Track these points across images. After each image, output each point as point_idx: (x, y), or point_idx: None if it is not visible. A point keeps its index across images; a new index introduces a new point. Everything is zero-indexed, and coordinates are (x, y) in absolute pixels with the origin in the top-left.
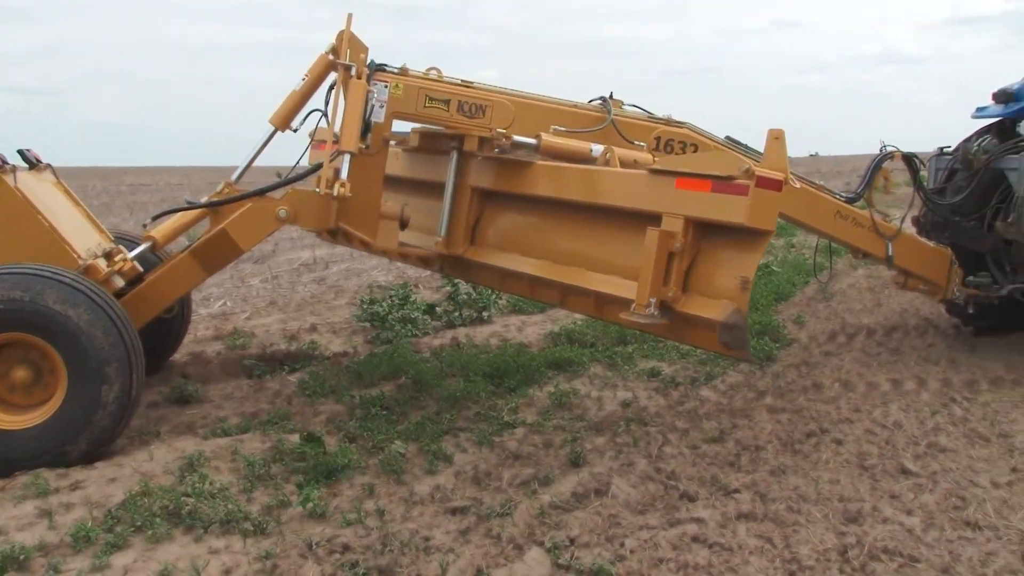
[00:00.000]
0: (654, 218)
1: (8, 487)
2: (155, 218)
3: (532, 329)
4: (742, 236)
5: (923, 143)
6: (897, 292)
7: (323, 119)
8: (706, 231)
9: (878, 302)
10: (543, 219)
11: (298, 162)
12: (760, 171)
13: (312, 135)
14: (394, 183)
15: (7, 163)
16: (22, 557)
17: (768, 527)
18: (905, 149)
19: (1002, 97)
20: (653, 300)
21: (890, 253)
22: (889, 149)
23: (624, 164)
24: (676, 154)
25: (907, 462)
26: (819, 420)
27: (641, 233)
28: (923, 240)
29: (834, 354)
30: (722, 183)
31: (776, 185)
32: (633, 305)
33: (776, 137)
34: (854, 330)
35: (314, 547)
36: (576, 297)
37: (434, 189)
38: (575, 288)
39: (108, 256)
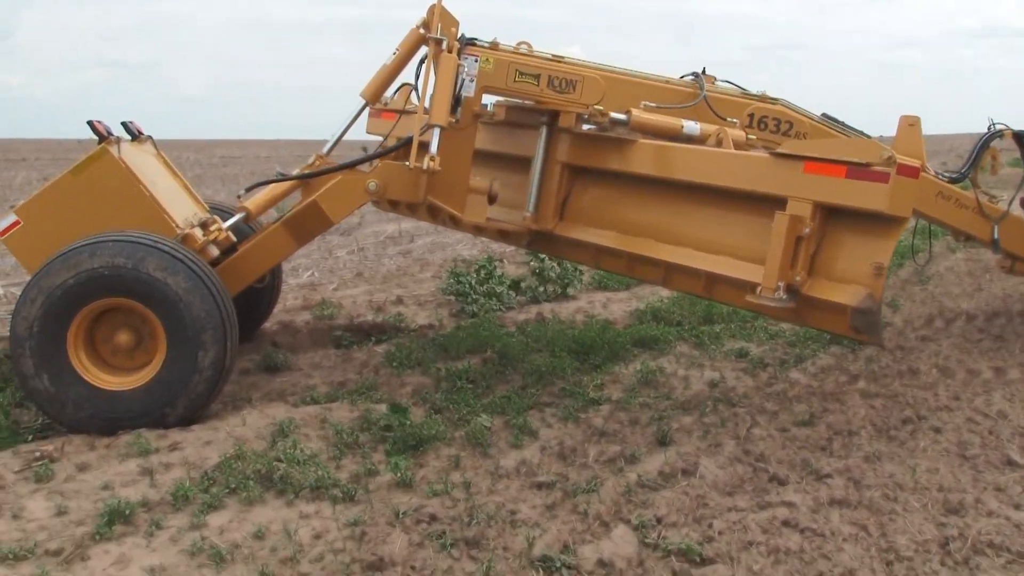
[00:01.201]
0: (777, 201)
1: (113, 445)
2: (248, 189)
3: (617, 306)
4: (875, 222)
5: None
6: (999, 276)
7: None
8: (833, 216)
9: (978, 286)
10: (645, 197)
11: (387, 136)
12: (901, 159)
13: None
14: (477, 156)
15: (112, 134)
16: (127, 512)
17: (863, 514)
18: (1014, 127)
19: None
20: (781, 284)
21: (996, 236)
22: (999, 127)
23: (714, 140)
24: (770, 131)
25: (1013, 454)
26: (916, 406)
27: (761, 215)
28: None
29: (931, 339)
30: (859, 169)
31: (914, 172)
32: (760, 288)
33: (911, 124)
34: (952, 315)
35: (401, 516)
36: (682, 276)
37: (518, 163)
38: (683, 268)
39: (204, 226)
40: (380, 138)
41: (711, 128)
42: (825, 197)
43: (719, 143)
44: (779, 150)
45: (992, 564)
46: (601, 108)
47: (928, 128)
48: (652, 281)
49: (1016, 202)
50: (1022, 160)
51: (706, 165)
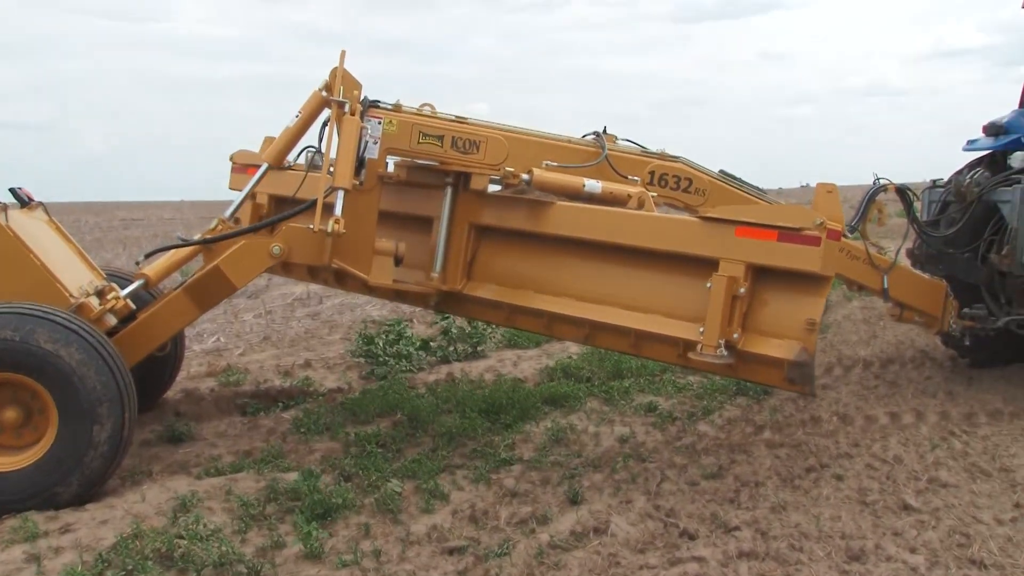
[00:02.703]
0: (706, 262)
1: None
2: (148, 256)
3: (527, 364)
4: (803, 281)
5: (911, 174)
6: (893, 324)
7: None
8: (761, 276)
9: (874, 334)
10: (564, 257)
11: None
12: (830, 224)
13: (232, 159)
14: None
15: None
16: None
17: (770, 566)
18: (896, 181)
19: (992, 130)
20: (722, 341)
21: (885, 286)
22: (883, 181)
23: (617, 197)
24: (671, 188)
25: (908, 498)
26: (818, 455)
27: (688, 275)
28: (918, 272)
29: (831, 387)
30: (791, 233)
31: (838, 236)
32: (700, 346)
33: (829, 191)
34: (851, 362)
35: None
36: (608, 335)
37: (418, 223)
38: (610, 326)
39: (100, 294)
40: (240, 194)
41: (632, 190)
42: (757, 259)
43: (640, 205)
44: (708, 214)
45: None
46: (513, 170)
47: (821, 179)
48: (573, 339)
49: (902, 252)
50: (905, 212)
51: (635, 227)
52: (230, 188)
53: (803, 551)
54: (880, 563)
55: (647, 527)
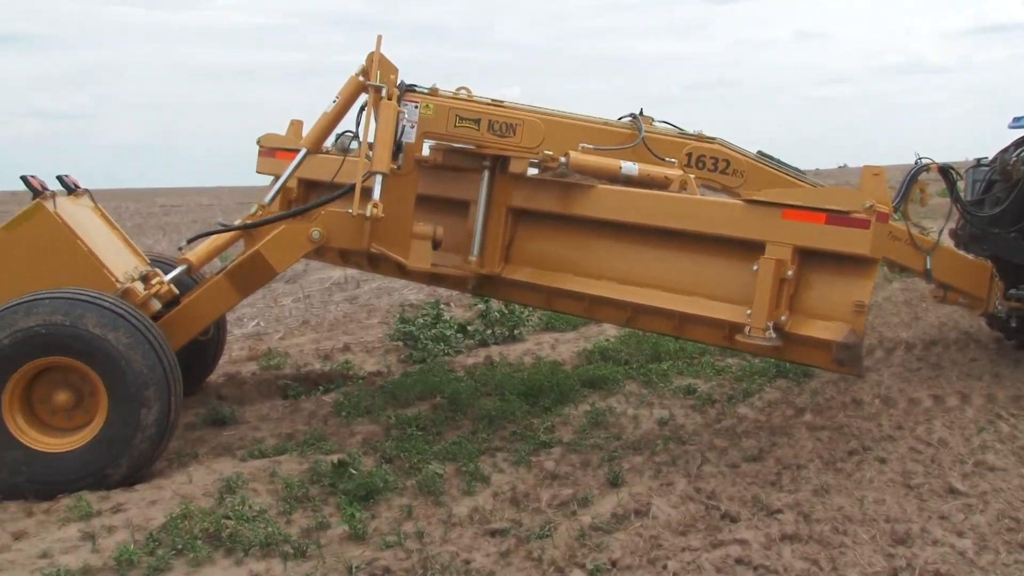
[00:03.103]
0: (751, 245)
1: (52, 510)
2: (190, 241)
3: (565, 347)
4: (851, 263)
5: (954, 153)
6: (935, 305)
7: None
8: (807, 258)
9: (915, 315)
10: (605, 240)
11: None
12: (879, 207)
13: (260, 143)
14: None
15: (47, 189)
16: None
17: (814, 549)
18: (939, 160)
19: None
20: (770, 323)
21: (928, 266)
22: (924, 161)
23: (655, 180)
24: (708, 169)
25: (955, 481)
26: (861, 437)
27: (732, 258)
28: (962, 253)
29: (873, 369)
30: (840, 216)
31: (885, 218)
32: (748, 328)
33: (876, 174)
34: (892, 344)
35: (354, 570)
36: (651, 317)
37: (454, 206)
38: (653, 308)
39: (145, 279)
40: (271, 178)
41: (670, 172)
42: (805, 242)
43: (682, 188)
44: (754, 197)
45: None
46: (552, 153)
47: (863, 160)
48: (614, 322)
49: (945, 233)
50: (948, 192)
51: (679, 211)
52: (258, 172)
53: (847, 534)
54: (927, 547)
55: (688, 509)
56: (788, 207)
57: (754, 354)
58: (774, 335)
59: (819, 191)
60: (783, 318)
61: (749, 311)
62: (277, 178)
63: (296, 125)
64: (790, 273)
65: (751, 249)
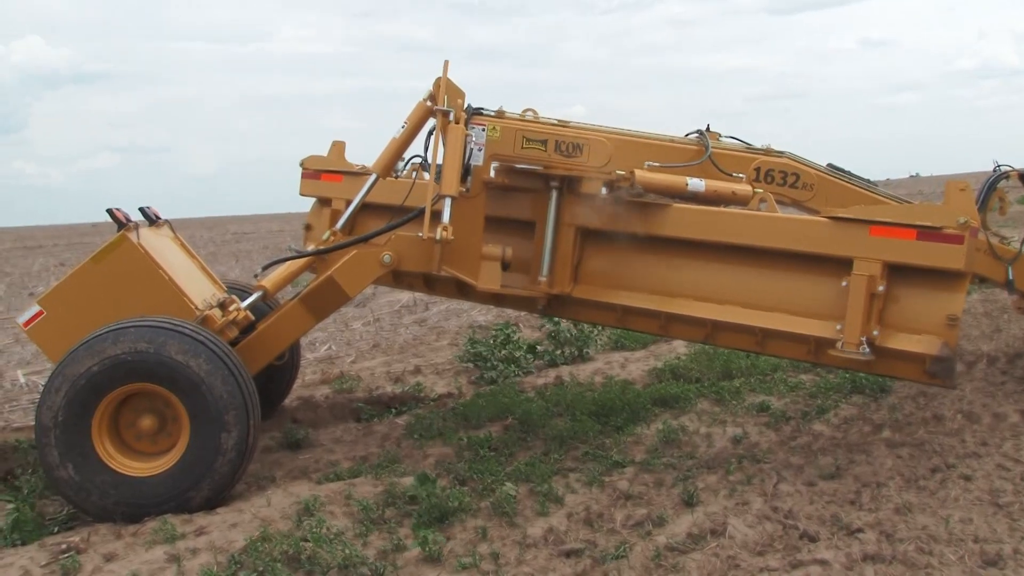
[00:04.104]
0: (837, 261)
1: (139, 532)
2: (265, 268)
3: (635, 365)
4: (941, 277)
5: None
6: (1017, 317)
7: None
8: (895, 273)
9: (997, 327)
10: (681, 258)
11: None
12: (973, 223)
13: (303, 164)
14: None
15: (130, 220)
16: None
17: (898, 569)
18: (1018, 167)
19: None
20: (863, 338)
21: (1010, 277)
22: (1003, 168)
23: (721, 196)
24: (777, 183)
25: None
26: (943, 454)
27: (817, 274)
28: None
29: None
30: (931, 232)
31: (975, 232)
32: (841, 343)
33: (961, 189)
34: (973, 358)
35: None
36: (731, 333)
37: (521, 227)
38: (733, 325)
39: (223, 306)
40: (313, 199)
41: (738, 188)
42: (895, 257)
43: (759, 207)
44: (838, 214)
45: None
46: (624, 172)
47: (935, 169)
48: (692, 339)
49: None
50: None
51: (761, 229)
52: (301, 194)
53: (932, 554)
54: (1021, 568)
55: (765, 529)
56: (876, 223)
57: (838, 368)
58: (867, 349)
59: (905, 207)
60: (875, 332)
61: (839, 326)
62: (348, 202)
63: (338, 146)
64: (881, 288)
65: (835, 265)
